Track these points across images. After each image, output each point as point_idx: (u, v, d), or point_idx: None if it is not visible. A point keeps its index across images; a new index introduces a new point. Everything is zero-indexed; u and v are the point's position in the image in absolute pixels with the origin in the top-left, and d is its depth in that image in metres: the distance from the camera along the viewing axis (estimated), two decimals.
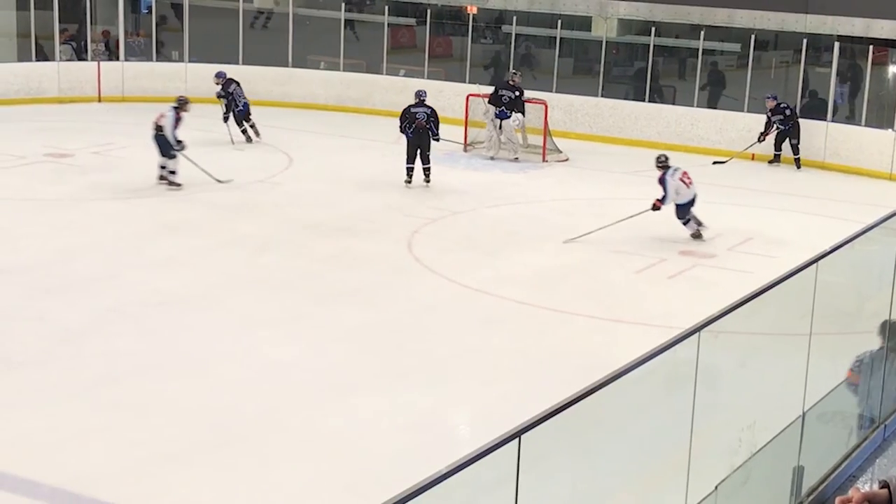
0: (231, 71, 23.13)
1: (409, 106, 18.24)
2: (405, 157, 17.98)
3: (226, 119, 20.48)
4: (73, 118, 22.13)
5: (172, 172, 16.92)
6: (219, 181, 17.30)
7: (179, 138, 16.87)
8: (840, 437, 7.97)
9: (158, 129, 16.88)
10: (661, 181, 15.28)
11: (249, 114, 20.68)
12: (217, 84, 20.56)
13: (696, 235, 15.51)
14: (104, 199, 16.30)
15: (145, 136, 20.61)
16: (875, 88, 21.46)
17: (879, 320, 8.54)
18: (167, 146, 16.83)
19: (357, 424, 9.31)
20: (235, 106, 20.53)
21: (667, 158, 15.68)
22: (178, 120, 16.89)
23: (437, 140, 18.25)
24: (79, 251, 13.72)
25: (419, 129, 17.91)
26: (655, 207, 15.27)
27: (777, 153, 21.17)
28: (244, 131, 20.66)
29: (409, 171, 17.99)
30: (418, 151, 17.95)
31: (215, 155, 19.56)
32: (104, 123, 21.65)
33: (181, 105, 17.17)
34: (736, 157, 21.09)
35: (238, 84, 20.63)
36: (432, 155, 18.11)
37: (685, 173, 15.45)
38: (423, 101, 18.28)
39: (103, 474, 8.28)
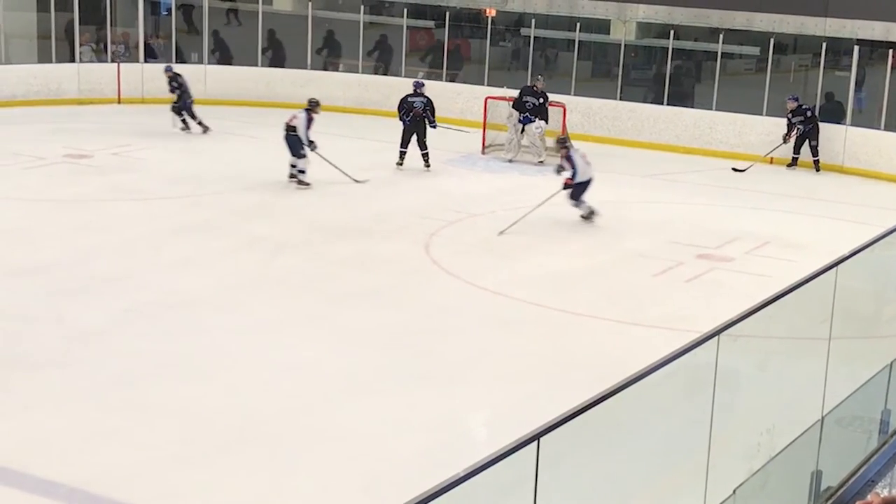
0: (251, 73, 23.37)
1: (407, 95, 19.56)
2: (399, 141, 19.30)
3: (175, 109, 21.32)
4: (93, 119, 22.22)
5: (302, 171, 17.53)
6: (356, 181, 17.89)
7: (311, 138, 17.44)
8: (859, 441, 7.94)
9: (291, 129, 17.48)
10: (569, 159, 15.95)
11: None
12: (168, 76, 21.35)
13: (588, 216, 16.03)
14: (123, 200, 16.35)
15: (164, 138, 20.83)
16: (894, 92, 21.37)
17: None
18: (298, 146, 17.45)
19: (373, 426, 9.30)
20: (188, 97, 21.28)
21: (568, 138, 16.71)
22: (310, 121, 17.49)
23: (434, 127, 19.41)
24: (97, 252, 13.76)
25: (416, 117, 19.20)
26: (567, 186, 15.92)
27: (795, 156, 21.11)
28: (200, 122, 21.34)
29: (402, 154, 19.35)
30: (414, 138, 19.25)
31: (239, 155, 19.66)
32: (123, 125, 21.72)
33: (312, 107, 17.71)
34: (759, 161, 21.01)
35: (183, 77, 21.39)
36: (442, 146, 19.13)
37: (585, 154, 16.22)
38: (418, 91, 19.51)
39: (120, 475, 8.29)
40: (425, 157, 19.30)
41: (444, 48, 24.90)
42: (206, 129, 21.25)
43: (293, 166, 17.58)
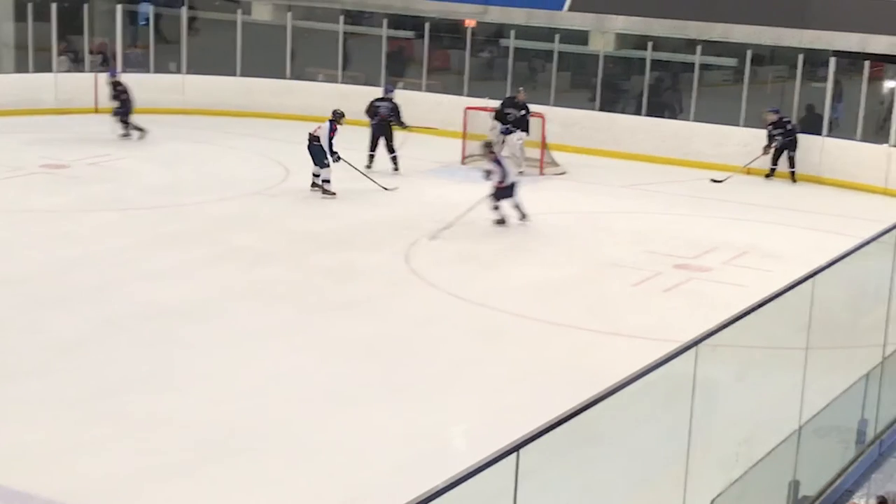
0: (230, 83, 23.27)
1: (375, 99, 20.21)
2: (368, 144, 19.86)
3: (117, 116, 21.39)
4: (70, 129, 22.15)
5: (326, 181, 17.74)
6: (385, 188, 18.26)
7: (335, 149, 17.64)
8: (836, 450, 7.99)
9: (314, 139, 17.74)
10: (498, 162, 16.32)
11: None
12: (111, 83, 21.49)
13: (500, 222, 16.33)
14: (100, 210, 16.30)
15: (143, 148, 20.79)
16: (871, 103, 21.49)
17: (875, 335, 8.56)
18: (321, 156, 17.66)
19: (355, 437, 9.29)
20: (130, 104, 21.47)
21: (493, 144, 17.30)
22: (333, 131, 17.69)
23: (405, 126, 20.04)
24: (75, 263, 13.71)
25: (382, 121, 19.77)
26: (498, 189, 16.24)
27: (773, 167, 21.21)
28: (137, 127, 21.44)
29: (370, 157, 19.89)
30: (382, 141, 19.82)
31: (218, 165, 19.64)
32: (101, 134, 21.62)
33: (336, 118, 17.93)
34: (737, 171, 21.09)
35: (124, 84, 21.56)
36: (422, 156, 19.59)
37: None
38: (387, 95, 20.17)
39: (98, 487, 8.25)
40: (394, 160, 19.76)
41: (425, 58, 24.91)
42: (143, 133, 21.33)
43: (316, 175, 17.77)
